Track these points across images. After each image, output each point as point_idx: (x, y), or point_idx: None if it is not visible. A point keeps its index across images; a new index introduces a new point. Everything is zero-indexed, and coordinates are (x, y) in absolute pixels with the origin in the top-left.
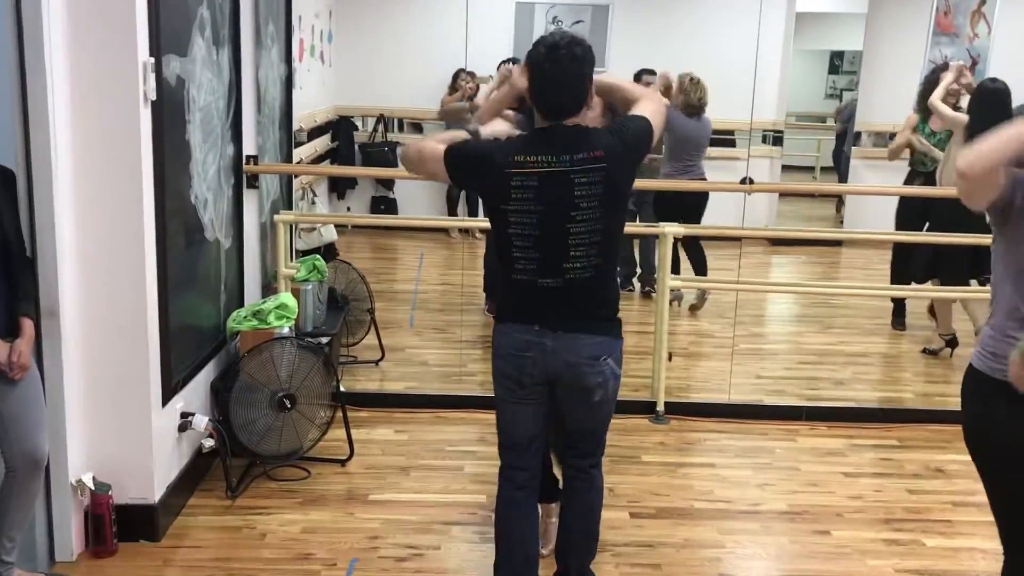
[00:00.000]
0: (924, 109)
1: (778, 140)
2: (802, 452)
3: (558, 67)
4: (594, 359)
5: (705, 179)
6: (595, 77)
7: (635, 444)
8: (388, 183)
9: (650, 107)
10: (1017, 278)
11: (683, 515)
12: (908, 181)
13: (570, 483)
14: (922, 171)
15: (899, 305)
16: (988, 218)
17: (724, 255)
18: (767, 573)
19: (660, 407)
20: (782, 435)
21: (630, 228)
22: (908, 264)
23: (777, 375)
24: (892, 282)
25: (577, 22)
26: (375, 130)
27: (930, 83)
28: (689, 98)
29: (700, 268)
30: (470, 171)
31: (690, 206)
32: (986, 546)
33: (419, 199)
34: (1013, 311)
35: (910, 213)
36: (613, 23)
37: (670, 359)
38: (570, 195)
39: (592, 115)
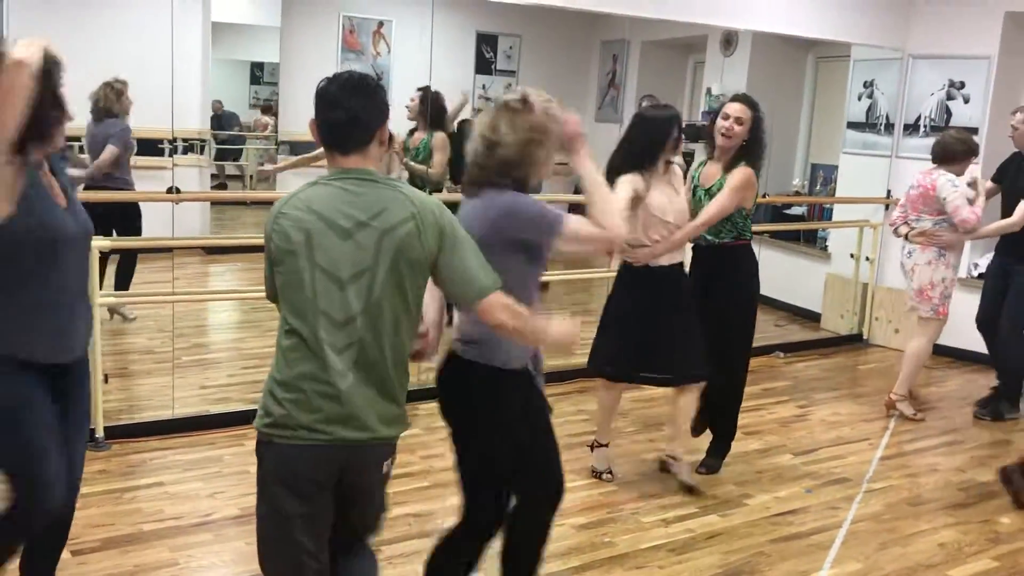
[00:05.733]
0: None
1: (209, 150)
2: (251, 455)
3: None
4: None
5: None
6: None
7: None
8: None
9: None
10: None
11: (132, 541)
12: None
13: None
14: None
15: None
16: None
17: (159, 267)
18: None
19: (99, 433)
20: (230, 442)
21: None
22: None
23: (222, 383)
24: None
25: None
26: None
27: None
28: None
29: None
30: None
31: (116, 217)
32: (419, 509)
33: None
34: None
35: None
36: (10, 20)
37: (106, 381)
38: None
39: None
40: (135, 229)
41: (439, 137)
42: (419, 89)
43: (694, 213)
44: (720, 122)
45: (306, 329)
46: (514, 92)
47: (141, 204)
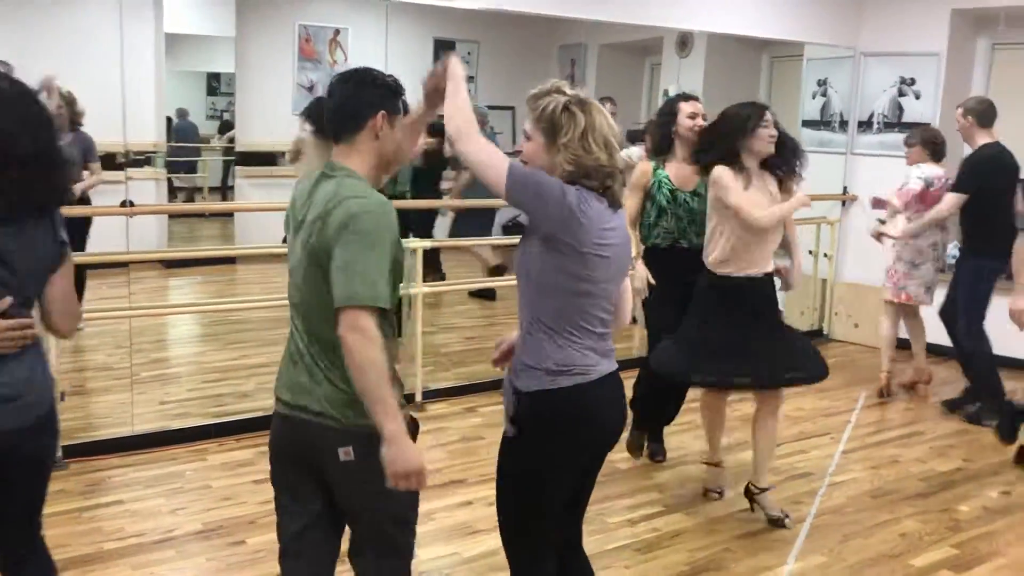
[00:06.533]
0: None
1: (164, 162)
2: (213, 469)
3: None
4: None
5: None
6: None
7: None
8: None
9: None
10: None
11: (92, 561)
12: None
13: None
14: None
15: None
16: None
17: (115, 283)
18: None
19: (58, 453)
20: (192, 456)
21: None
22: None
23: (182, 398)
24: None
25: None
26: None
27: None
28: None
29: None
30: None
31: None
32: None
33: None
34: None
35: None
36: None
37: (63, 399)
38: None
39: None
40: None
41: None
42: None
43: (684, 218)
44: (688, 122)
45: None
46: None
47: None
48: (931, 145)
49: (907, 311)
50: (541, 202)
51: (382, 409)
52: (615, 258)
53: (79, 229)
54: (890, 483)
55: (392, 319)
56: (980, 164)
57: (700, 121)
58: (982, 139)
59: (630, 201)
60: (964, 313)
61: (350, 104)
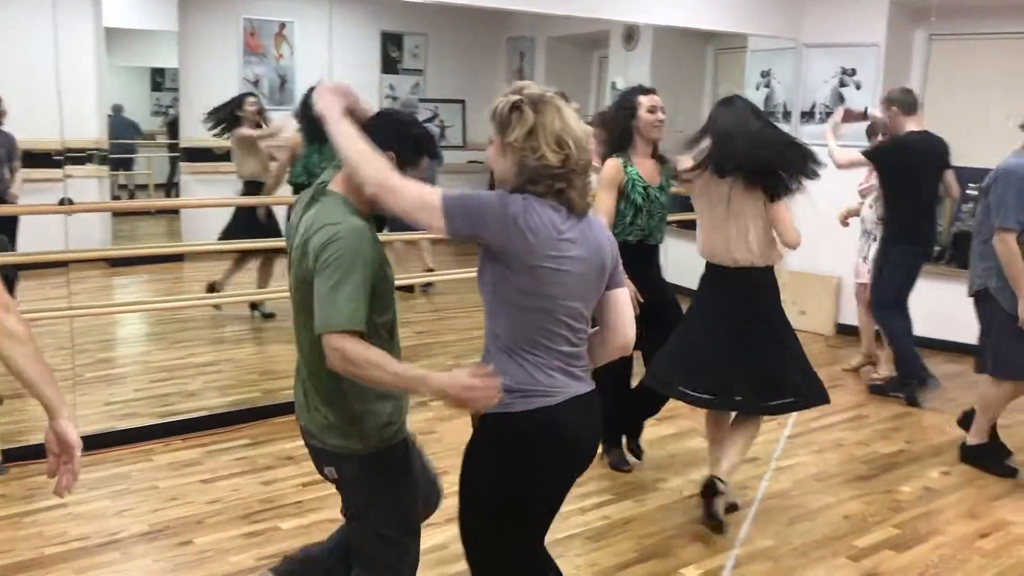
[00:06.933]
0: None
1: (105, 159)
2: (159, 469)
3: None
4: None
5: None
6: None
7: None
8: None
9: None
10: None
11: (32, 566)
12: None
13: None
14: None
15: None
16: None
17: (57, 282)
18: None
19: None
20: (137, 457)
21: None
22: None
23: (128, 398)
24: None
25: None
26: None
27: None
28: None
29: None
30: None
31: None
32: (335, 515)
33: None
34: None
35: None
36: None
37: (1, 403)
38: None
39: None
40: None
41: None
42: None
43: (656, 214)
44: (650, 116)
45: None
46: None
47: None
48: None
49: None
50: (483, 223)
51: (409, 384)
52: (579, 273)
53: (8, 229)
54: (834, 466)
55: (385, 337)
56: (901, 148)
57: (660, 115)
58: (909, 126)
59: (606, 200)
60: (890, 294)
61: (369, 133)
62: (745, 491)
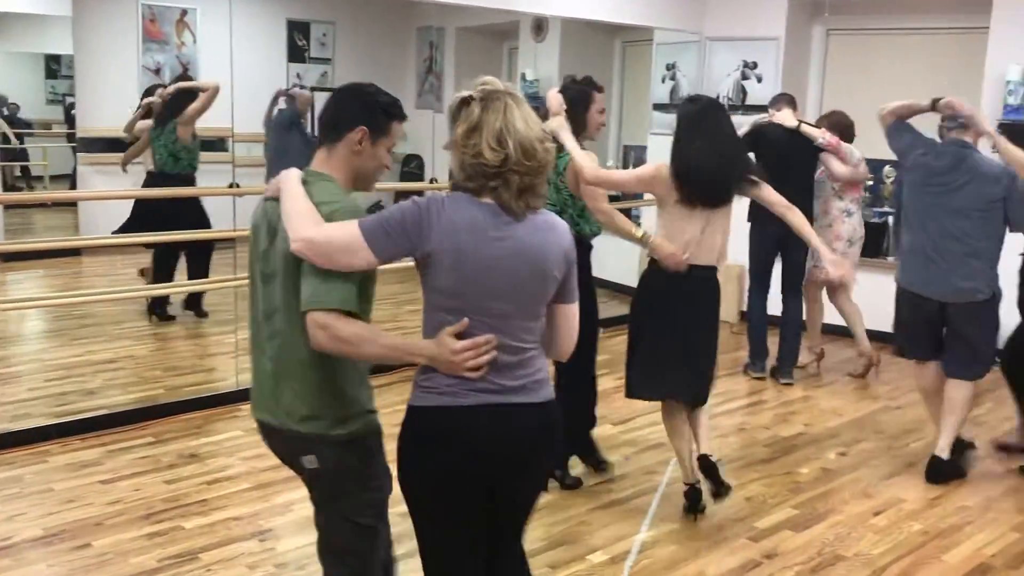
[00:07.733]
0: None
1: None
2: (55, 471)
3: None
4: None
5: None
6: None
7: None
8: None
9: None
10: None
11: None
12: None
13: None
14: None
15: None
16: None
17: None
18: None
19: None
20: (32, 459)
21: None
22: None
23: (22, 398)
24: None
25: None
26: None
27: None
28: None
29: None
30: None
31: None
32: (240, 512)
33: None
34: None
35: None
36: None
37: None
38: None
39: None
40: None
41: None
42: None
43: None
44: (600, 117)
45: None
46: None
47: None
48: (839, 127)
49: (829, 290)
50: (403, 237)
51: (401, 354)
52: (503, 273)
53: None
54: (737, 450)
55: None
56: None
57: (604, 118)
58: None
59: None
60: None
61: (335, 112)
62: (652, 476)
